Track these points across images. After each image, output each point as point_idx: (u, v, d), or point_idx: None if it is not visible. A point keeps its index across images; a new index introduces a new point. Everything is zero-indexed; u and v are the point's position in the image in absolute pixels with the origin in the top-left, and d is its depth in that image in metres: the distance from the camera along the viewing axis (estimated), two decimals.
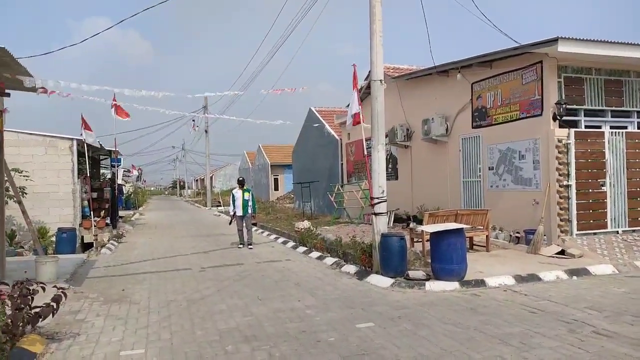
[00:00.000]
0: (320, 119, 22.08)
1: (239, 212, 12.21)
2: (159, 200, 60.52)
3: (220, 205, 33.47)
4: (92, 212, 13.36)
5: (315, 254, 10.53)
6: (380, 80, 8.26)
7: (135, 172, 37.51)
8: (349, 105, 9.39)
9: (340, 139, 20.00)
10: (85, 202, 13.99)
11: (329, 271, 8.77)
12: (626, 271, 7.87)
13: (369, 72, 8.56)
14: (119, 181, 25.93)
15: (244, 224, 12.22)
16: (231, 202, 12.48)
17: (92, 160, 17.45)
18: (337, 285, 7.54)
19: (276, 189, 37.99)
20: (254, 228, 16.87)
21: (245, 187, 12.51)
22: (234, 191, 12.50)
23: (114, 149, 17.04)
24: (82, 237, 13.15)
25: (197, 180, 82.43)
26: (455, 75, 11.56)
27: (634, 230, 9.77)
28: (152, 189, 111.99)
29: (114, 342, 4.99)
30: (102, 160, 20.94)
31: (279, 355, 4.46)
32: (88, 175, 14.23)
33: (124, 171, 33.49)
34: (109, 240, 13.45)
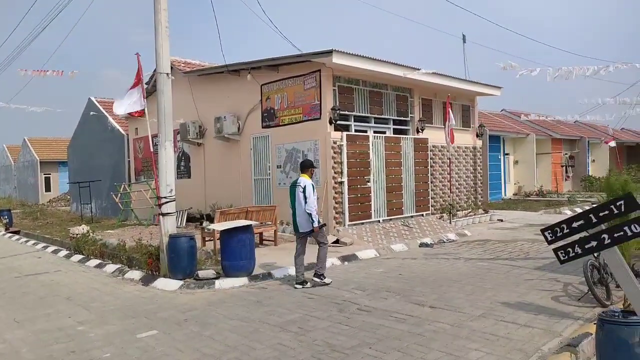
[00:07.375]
0: (103, 110, 19.84)
1: (307, 228, 6.88)
2: None
3: None
4: None
5: (93, 262, 9.43)
6: (167, 74, 7.88)
7: None
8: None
9: (127, 134, 18.37)
10: None
11: (109, 280, 7.96)
12: (385, 254, 9.37)
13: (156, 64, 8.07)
14: None
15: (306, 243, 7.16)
16: (306, 203, 6.75)
17: None
18: (118, 294, 6.90)
19: (47, 189, 32.63)
20: (35, 243, 13.07)
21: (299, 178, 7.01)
22: (305, 183, 6.81)
23: None
24: None
25: None
26: (246, 76, 11.87)
27: (390, 219, 11.69)
28: None
29: None
30: None
31: None
32: None
33: None
34: None
